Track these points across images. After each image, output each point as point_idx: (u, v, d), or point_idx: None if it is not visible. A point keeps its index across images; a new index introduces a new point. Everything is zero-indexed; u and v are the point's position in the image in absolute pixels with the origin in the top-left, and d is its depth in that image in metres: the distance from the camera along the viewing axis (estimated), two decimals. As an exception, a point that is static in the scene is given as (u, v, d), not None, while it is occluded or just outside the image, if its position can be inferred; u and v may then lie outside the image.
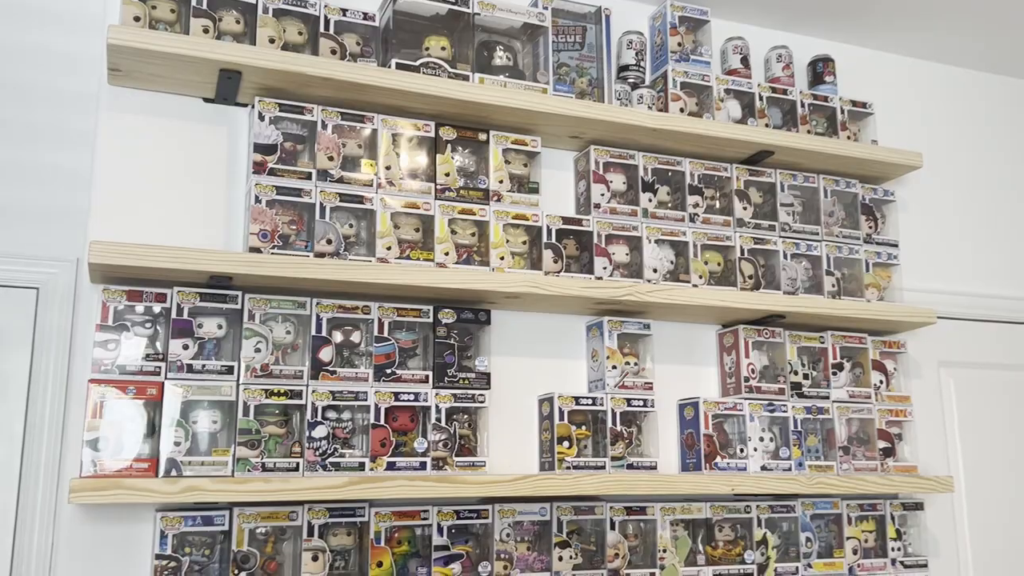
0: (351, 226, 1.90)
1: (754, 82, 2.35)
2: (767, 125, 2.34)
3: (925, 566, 2.30)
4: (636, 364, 2.11)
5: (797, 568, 2.15)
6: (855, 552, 2.23)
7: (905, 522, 2.33)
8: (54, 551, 1.90)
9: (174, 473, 1.65)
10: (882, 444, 2.29)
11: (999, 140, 2.93)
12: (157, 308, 1.73)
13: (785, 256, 2.28)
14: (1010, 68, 2.94)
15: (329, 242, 1.84)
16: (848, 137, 2.45)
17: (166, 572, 1.65)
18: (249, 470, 1.70)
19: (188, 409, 1.70)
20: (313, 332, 1.82)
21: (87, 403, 1.64)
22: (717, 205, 2.28)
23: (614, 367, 2.07)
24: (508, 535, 1.91)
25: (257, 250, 1.77)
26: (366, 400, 1.82)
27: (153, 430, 1.67)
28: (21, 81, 2.11)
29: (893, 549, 2.27)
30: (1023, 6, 2.55)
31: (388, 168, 1.93)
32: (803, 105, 2.39)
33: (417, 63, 1.94)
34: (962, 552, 2.58)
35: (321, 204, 1.85)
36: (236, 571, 1.69)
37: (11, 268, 2.01)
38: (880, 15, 2.58)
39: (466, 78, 1.98)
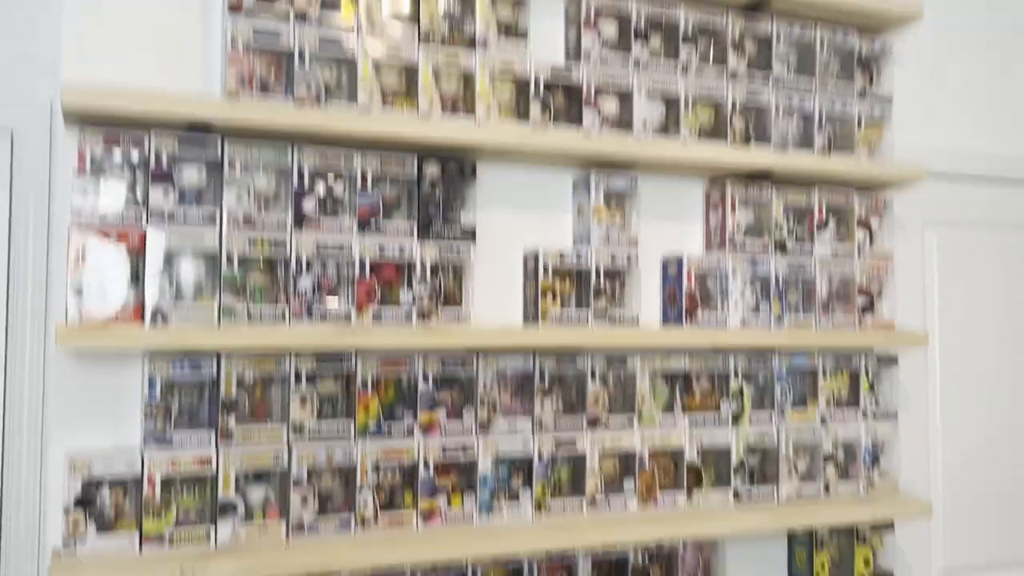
0: (331, 71, 1.84)
1: (755, -76, 2.23)
2: (766, -29, 2.23)
3: (895, 417, 2.39)
4: (622, 219, 2.10)
5: (771, 416, 2.23)
6: (828, 403, 2.30)
7: (879, 376, 2.39)
8: (45, 397, 1.94)
9: (160, 320, 1.66)
10: (861, 300, 2.33)
11: (1005, -7, 2.83)
12: (135, 155, 1.69)
13: (777, 110, 2.24)
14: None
15: (309, 88, 1.79)
16: (850, -14, 2.35)
17: (156, 414, 1.69)
18: (235, 319, 1.71)
19: (171, 257, 1.69)
20: (295, 182, 1.79)
21: (68, 249, 1.63)
22: (711, 56, 2.21)
23: (599, 222, 2.06)
24: (492, 384, 1.96)
25: (235, 95, 1.72)
26: (351, 252, 1.82)
27: (136, 278, 1.67)
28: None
29: (865, 401, 2.35)
30: None
31: (369, 11, 1.85)
32: (805, -50, 2.28)
33: None
34: (931, 405, 2.68)
35: (300, 49, 1.78)
36: (226, 414, 1.73)
37: (-18, 113, 1.95)
38: None
39: (451, -86, 1.88)
